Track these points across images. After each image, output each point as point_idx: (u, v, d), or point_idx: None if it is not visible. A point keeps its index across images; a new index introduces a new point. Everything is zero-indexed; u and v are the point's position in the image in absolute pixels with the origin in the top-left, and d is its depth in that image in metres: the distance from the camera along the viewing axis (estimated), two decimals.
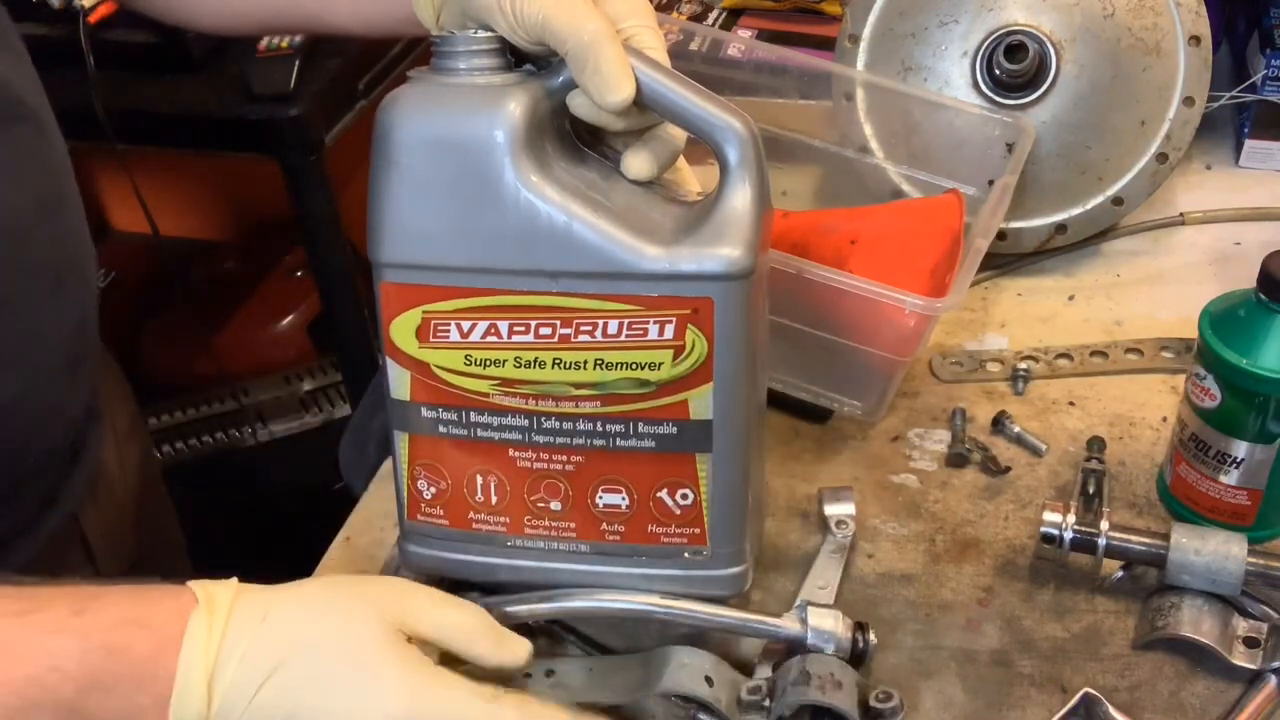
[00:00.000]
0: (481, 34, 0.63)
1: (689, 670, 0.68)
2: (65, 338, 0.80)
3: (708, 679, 0.68)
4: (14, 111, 0.74)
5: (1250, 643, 0.71)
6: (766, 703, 0.67)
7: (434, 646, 0.60)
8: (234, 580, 0.59)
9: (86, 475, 0.86)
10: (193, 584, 0.58)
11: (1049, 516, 0.75)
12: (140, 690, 0.54)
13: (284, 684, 0.56)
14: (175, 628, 0.55)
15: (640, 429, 0.66)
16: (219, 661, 0.55)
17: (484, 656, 0.61)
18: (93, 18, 1.53)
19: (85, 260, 0.82)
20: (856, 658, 0.68)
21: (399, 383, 0.67)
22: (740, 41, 1.19)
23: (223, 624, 0.56)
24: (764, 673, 0.69)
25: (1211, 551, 0.72)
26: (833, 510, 0.81)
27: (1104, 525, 0.75)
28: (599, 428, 0.66)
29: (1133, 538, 0.75)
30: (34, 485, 0.80)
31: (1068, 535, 0.75)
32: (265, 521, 1.60)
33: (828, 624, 0.69)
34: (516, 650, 0.62)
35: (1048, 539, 0.75)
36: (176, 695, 0.54)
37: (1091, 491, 0.81)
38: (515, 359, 0.65)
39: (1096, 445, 0.85)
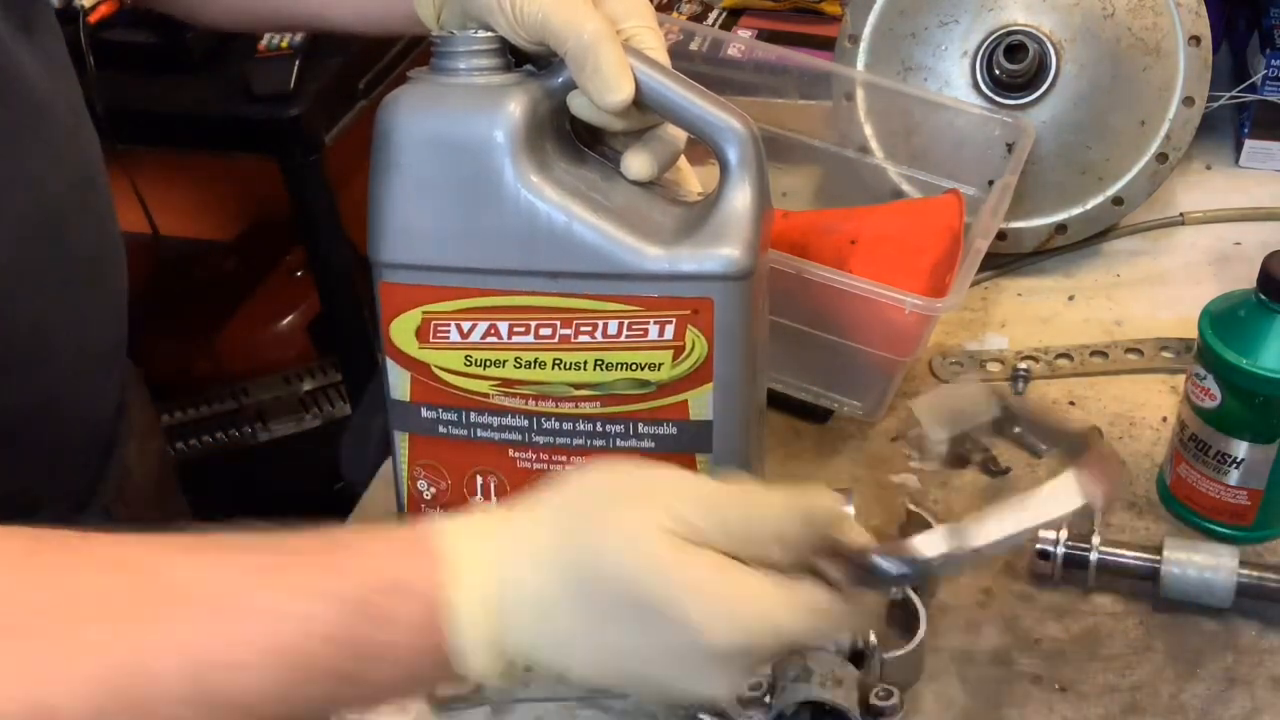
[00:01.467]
0: (481, 34, 0.63)
1: None
2: (105, 327, 0.80)
3: None
4: (48, 94, 0.74)
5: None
6: (767, 699, 0.67)
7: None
8: (476, 516, 0.53)
9: (117, 473, 0.86)
10: (437, 528, 0.52)
11: (1043, 534, 0.76)
12: (408, 654, 0.50)
13: (580, 606, 0.50)
14: (437, 594, 0.49)
15: (640, 429, 0.66)
16: (494, 642, 0.50)
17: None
18: (93, 18, 1.53)
19: (118, 249, 0.82)
20: (857, 657, 0.68)
21: (399, 383, 0.67)
22: (740, 41, 1.19)
23: (489, 573, 0.50)
24: (764, 671, 0.69)
25: (1202, 565, 0.73)
26: None
27: (1095, 541, 0.75)
28: (599, 428, 0.66)
29: (1125, 554, 0.75)
30: (72, 482, 0.80)
31: (1060, 552, 0.75)
32: (265, 522, 1.60)
33: None
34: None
35: (1042, 555, 0.76)
36: (459, 657, 0.49)
37: None
38: (515, 359, 0.65)
39: (1095, 435, 0.86)
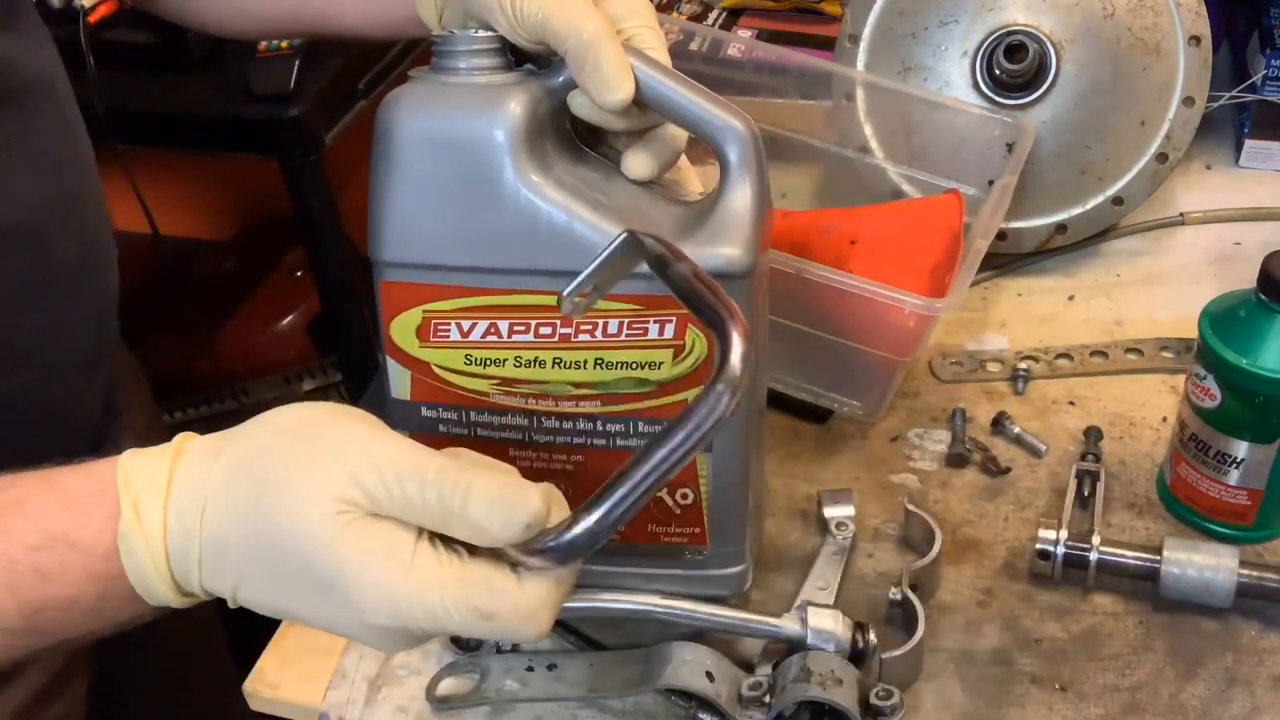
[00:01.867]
0: (482, 33, 0.63)
1: (690, 666, 0.68)
2: (86, 334, 0.80)
3: (709, 674, 0.68)
4: (32, 98, 0.74)
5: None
6: (767, 699, 0.67)
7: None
8: (169, 449, 0.54)
9: None
10: (122, 468, 0.53)
11: (1043, 534, 0.76)
12: (84, 604, 0.53)
13: (253, 561, 0.51)
14: (108, 546, 0.52)
15: (640, 428, 0.66)
16: (178, 569, 0.52)
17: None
18: (93, 18, 1.53)
19: (107, 256, 0.82)
20: (857, 657, 0.68)
21: (399, 382, 0.67)
22: (740, 41, 1.19)
23: (160, 520, 0.52)
24: (765, 671, 0.69)
25: (1202, 565, 0.73)
26: (832, 512, 0.81)
27: (1095, 540, 0.75)
28: (599, 427, 0.66)
29: (1125, 553, 0.75)
30: None
31: (1060, 552, 0.75)
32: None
33: (827, 624, 0.69)
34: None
35: (1042, 555, 0.76)
36: (147, 594, 0.53)
37: (1087, 494, 0.81)
38: (515, 358, 0.65)
39: (1094, 435, 0.86)
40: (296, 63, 1.50)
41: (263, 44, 1.52)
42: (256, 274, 2.04)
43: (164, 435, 1.05)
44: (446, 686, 0.72)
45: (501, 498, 0.50)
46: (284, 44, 1.51)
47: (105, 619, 0.54)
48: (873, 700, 0.66)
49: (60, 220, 0.75)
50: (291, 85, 1.49)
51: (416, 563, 0.50)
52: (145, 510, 0.52)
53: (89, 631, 0.55)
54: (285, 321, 1.97)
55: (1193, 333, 0.77)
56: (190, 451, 0.54)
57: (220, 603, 0.55)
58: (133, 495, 0.52)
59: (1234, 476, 0.77)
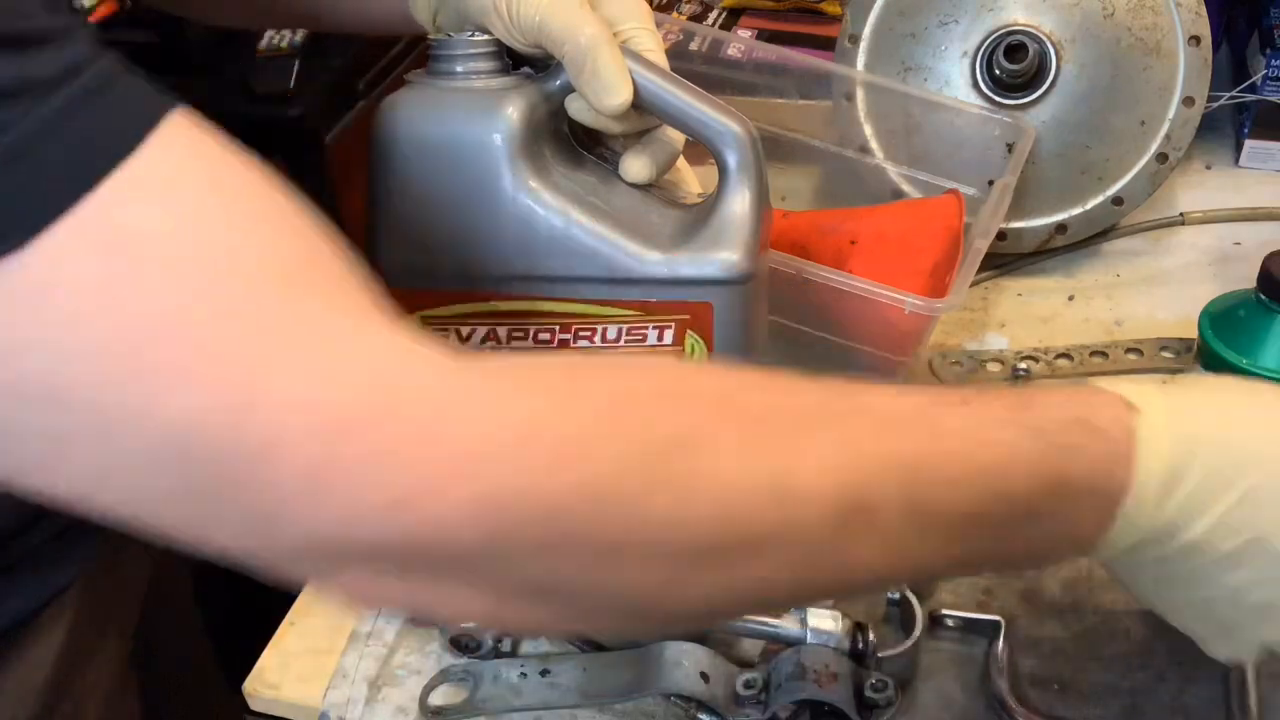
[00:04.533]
0: (478, 37, 0.63)
1: (684, 669, 0.68)
2: None
3: (704, 675, 0.68)
4: None
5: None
6: (763, 697, 0.67)
7: None
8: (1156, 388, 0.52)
9: None
10: (1124, 389, 0.52)
11: None
12: (1088, 495, 0.49)
13: (1256, 503, 0.49)
14: (1123, 433, 0.49)
15: None
16: (1175, 473, 0.49)
17: None
18: (93, 18, 1.53)
19: None
20: (856, 657, 0.68)
21: None
22: (740, 41, 1.19)
23: (1170, 433, 0.50)
24: (762, 668, 0.69)
25: None
26: None
27: None
28: None
29: None
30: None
31: None
32: None
33: (827, 624, 0.69)
34: None
35: None
36: (1129, 504, 0.49)
37: None
38: None
39: None
40: (296, 63, 1.50)
41: (263, 44, 1.52)
42: None
43: None
44: (439, 696, 0.72)
45: None
46: (284, 44, 1.52)
47: (1065, 543, 0.51)
48: (868, 694, 0.66)
49: None
50: (291, 85, 1.49)
51: None
52: (1159, 418, 0.50)
53: (1037, 556, 0.54)
54: None
55: (1193, 333, 0.77)
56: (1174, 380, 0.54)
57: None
58: (1146, 405, 0.50)
59: None
